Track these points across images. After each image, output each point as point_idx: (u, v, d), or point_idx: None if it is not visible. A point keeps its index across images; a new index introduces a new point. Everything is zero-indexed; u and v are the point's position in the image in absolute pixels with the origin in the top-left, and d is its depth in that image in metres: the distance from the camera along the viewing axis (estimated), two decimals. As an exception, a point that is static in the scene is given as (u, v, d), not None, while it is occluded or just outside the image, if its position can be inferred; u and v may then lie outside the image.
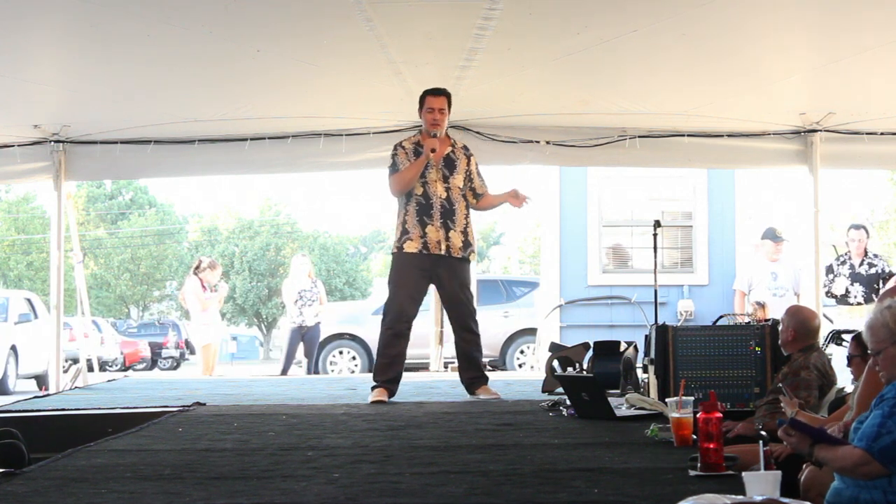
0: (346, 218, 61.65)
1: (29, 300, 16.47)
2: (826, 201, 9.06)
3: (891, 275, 9.27)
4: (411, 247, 6.52)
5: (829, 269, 9.12)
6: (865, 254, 9.29)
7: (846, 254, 9.29)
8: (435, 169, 6.54)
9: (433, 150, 6.45)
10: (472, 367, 6.70)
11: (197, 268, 11.19)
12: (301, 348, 11.54)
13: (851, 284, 9.17)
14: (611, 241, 12.87)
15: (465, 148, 6.89)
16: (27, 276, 38.46)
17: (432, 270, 6.55)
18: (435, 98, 6.55)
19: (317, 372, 11.70)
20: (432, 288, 6.92)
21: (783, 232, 9.92)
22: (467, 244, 6.61)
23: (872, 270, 9.17)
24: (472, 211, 6.77)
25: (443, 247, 6.51)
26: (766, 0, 6.05)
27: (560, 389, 6.34)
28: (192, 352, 24.81)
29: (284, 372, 11.40)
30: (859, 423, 2.69)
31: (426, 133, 6.57)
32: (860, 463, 2.57)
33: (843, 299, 9.17)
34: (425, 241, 6.50)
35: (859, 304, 9.05)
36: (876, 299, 8.96)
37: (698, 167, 11.29)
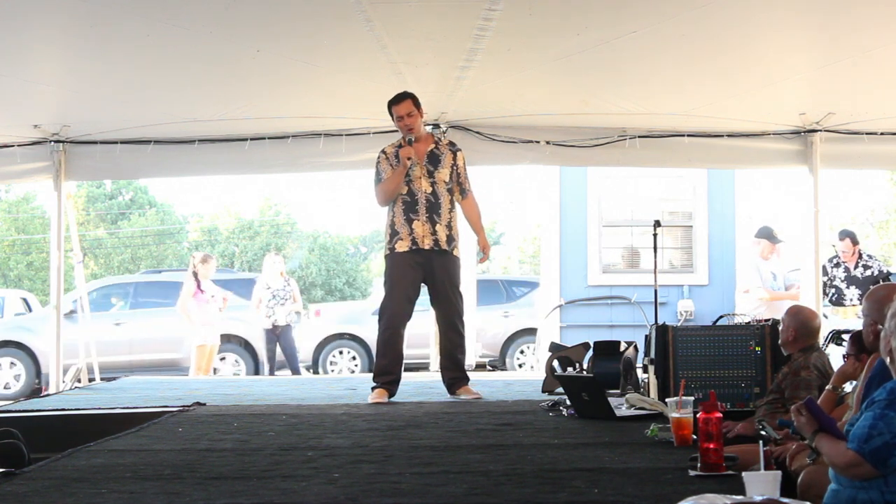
0: (346, 218, 61.58)
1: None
2: (826, 201, 9.07)
3: (888, 275, 9.28)
4: (402, 246, 6.55)
5: (823, 271, 9.11)
6: (860, 256, 9.30)
7: (838, 256, 9.29)
8: (419, 167, 6.57)
9: (409, 158, 6.50)
10: (454, 367, 6.72)
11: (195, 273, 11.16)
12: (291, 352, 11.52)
13: (847, 287, 9.17)
14: (613, 242, 12.87)
15: (452, 144, 6.91)
16: (27, 276, 38.43)
17: (425, 266, 6.57)
18: (399, 105, 6.57)
19: (298, 373, 11.65)
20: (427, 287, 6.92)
21: (779, 233, 9.93)
22: (451, 238, 6.62)
23: (868, 272, 9.18)
24: (457, 207, 6.78)
25: (430, 241, 6.53)
26: (766, 0, 6.05)
27: (560, 389, 6.34)
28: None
29: (271, 372, 11.37)
30: (850, 424, 2.69)
31: (404, 141, 6.59)
32: (852, 464, 2.58)
33: (838, 301, 9.18)
34: (413, 237, 6.53)
35: (854, 305, 9.06)
36: None
37: (698, 167, 11.30)
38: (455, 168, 6.70)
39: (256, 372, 12.69)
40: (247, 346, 13.17)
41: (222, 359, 12.73)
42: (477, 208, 6.89)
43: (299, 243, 44.17)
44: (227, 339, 12.68)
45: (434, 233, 6.55)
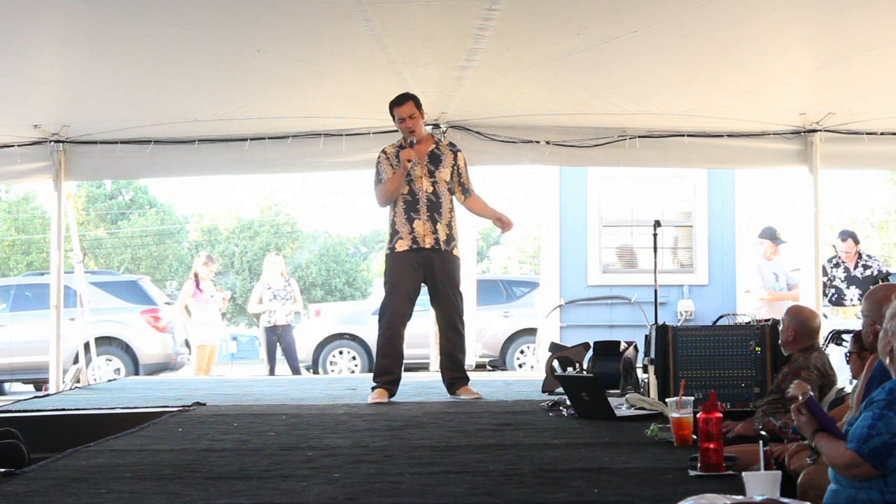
0: (346, 218, 61.62)
1: None
2: (826, 201, 9.07)
3: (887, 275, 9.29)
4: (402, 245, 6.55)
5: (823, 271, 9.12)
6: (859, 256, 9.31)
7: (837, 256, 9.30)
8: (420, 166, 6.58)
9: (409, 161, 6.49)
10: (455, 367, 6.72)
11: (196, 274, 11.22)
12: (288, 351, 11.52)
13: (847, 287, 9.18)
14: (613, 242, 12.88)
15: (452, 145, 6.92)
16: (27, 276, 38.41)
17: (425, 266, 6.57)
18: (401, 107, 6.57)
19: (298, 373, 11.64)
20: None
21: (782, 233, 9.94)
22: (451, 238, 6.63)
23: (868, 272, 9.20)
24: (457, 206, 6.79)
25: (431, 240, 6.54)
26: (766, 0, 6.05)
27: (560, 389, 6.34)
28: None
29: (271, 372, 11.38)
30: (850, 424, 2.69)
31: (405, 142, 6.60)
32: (851, 464, 2.58)
33: (838, 301, 9.19)
34: (414, 236, 6.53)
35: (854, 305, 9.07)
36: None
37: (698, 167, 11.30)
38: (456, 168, 6.70)
39: (136, 373, 12.67)
40: (126, 349, 13.01)
41: (109, 360, 12.73)
42: (482, 200, 6.88)
43: (300, 243, 44.20)
44: (108, 342, 12.65)
45: (435, 232, 6.56)
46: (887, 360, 2.73)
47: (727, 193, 12.61)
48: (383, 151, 6.72)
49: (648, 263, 12.11)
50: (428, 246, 6.54)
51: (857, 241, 9.39)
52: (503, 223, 6.78)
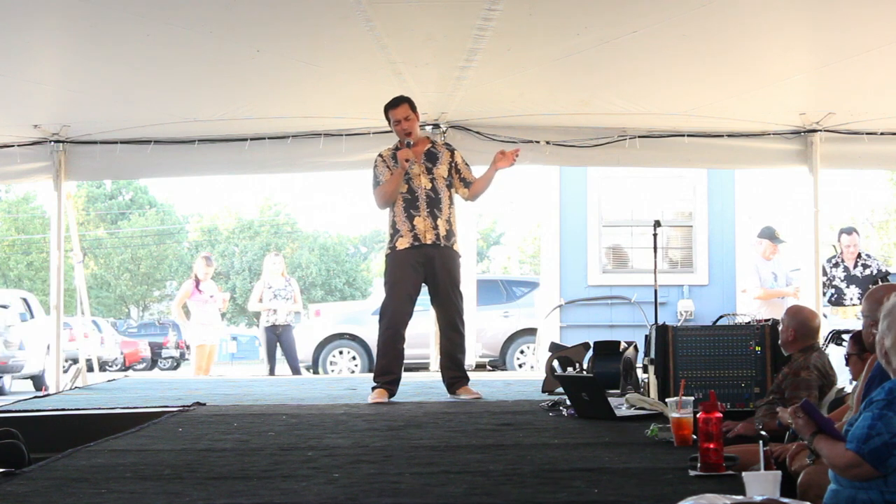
0: (346, 218, 61.70)
1: (25, 300, 16.43)
2: (826, 201, 9.07)
3: (886, 274, 9.30)
4: (403, 243, 6.55)
5: (822, 271, 9.12)
6: (859, 255, 9.32)
7: (837, 256, 9.31)
8: (418, 164, 6.58)
9: (407, 160, 6.48)
10: (454, 366, 6.72)
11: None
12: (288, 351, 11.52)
13: (847, 287, 9.19)
14: (610, 242, 12.88)
15: (448, 144, 6.94)
16: (27, 276, 38.43)
17: (426, 265, 6.57)
18: (396, 109, 6.57)
19: (298, 373, 11.64)
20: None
21: (781, 233, 9.94)
22: (451, 233, 6.63)
23: (867, 272, 9.20)
24: (457, 202, 6.79)
25: (432, 235, 6.54)
26: (766, 0, 6.05)
27: (560, 389, 6.34)
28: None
29: (271, 372, 11.39)
30: (850, 424, 2.69)
31: (402, 144, 6.60)
32: (851, 465, 2.58)
33: (837, 301, 9.20)
34: (414, 233, 6.54)
35: (854, 305, 9.08)
36: None
37: (698, 167, 11.31)
38: (454, 164, 6.70)
39: None
40: None
41: None
42: (478, 179, 6.78)
43: (300, 243, 44.25)
44: None
45: (435, 227, 6.56)
46: (884, 362, 2.73)
47: (727, 193, 12.62)
48: (379, 155, 6.73)
49: (643, 263, 12.16)
50: (429, 242, 6.54)
51: (859, 235, 9.45)
52: (505, 157, 6.60)
